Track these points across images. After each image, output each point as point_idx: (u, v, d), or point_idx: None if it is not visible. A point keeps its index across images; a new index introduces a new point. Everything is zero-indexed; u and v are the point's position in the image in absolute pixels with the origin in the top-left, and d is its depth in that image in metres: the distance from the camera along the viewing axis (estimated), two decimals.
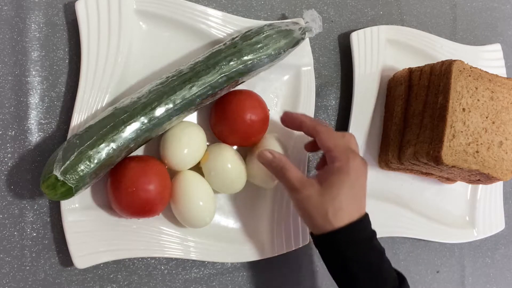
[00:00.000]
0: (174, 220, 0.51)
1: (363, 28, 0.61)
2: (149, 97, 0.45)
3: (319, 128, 0.49)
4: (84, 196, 0.47)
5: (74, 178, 0.41)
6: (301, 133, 0.51)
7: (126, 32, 0.48)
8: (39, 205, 0.47)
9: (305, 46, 0.56)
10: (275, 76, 0.56)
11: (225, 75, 0.47)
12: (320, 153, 0.58)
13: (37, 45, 0.47)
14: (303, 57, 0.56)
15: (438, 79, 0.56)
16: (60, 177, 0.40)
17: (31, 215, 0.47)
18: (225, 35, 0.53)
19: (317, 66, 0.61)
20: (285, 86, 0.57)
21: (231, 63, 0.48)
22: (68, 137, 0.45)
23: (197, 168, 0.51)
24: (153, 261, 0.52)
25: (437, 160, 0.54)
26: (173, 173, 0.49)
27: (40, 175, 0.42)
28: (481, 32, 0.74)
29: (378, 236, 0.48)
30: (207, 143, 0.51)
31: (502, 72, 0.71)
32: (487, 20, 0.75)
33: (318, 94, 0.61)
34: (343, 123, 0.60)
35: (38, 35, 0.47)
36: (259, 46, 0.49)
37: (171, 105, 0.45)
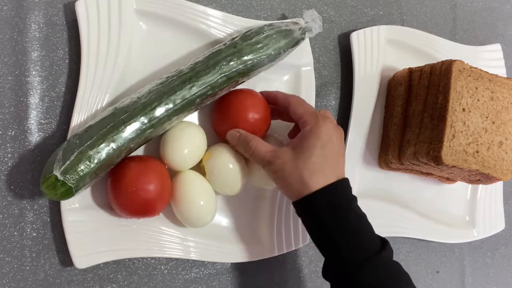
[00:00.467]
0: (174, 220, 0.51)
1: (363, 28, 0.61)
2: (149, 97, 0.45)
3: (290, 98, 0.51)
4: (84, 196, 0.47)
5: (74, 178, 0.41)
6: None
7: (126, 32, 0.48)
8: (39, 205, 0.47)
9: (305, 46, 0.56)
10: (275, 76, 0.56)
11: (225, 75, 0.47)
12: None
13: (37, 45, 0.47)
14: (303, 57, 0.56)
15: (438, 79, 0.56)
16: (60, 177, 0.40)
17: (31, 215, 0.47)
18: (225, 35, 0.53)
19: (317, 66, 0.61)
20: (285, 86, 0.57)
21: (231, 63, 0.48)
22: (68, 137, 0.45)
23: (197, 168, 0.51)
24: (153, 261, 0.52)
25: (437, 160, 0.54)
26: (173, 173, 0.49)
27: (40, 175, 0.42)
28: (481, 32, 0.74)
29: None
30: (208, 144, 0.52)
31: (502, 72, 0.71)
32: (487, 20, 0.75)
33: (318, 94, 0.61)
34: (343, 123, 0.60)
35: (38, 35, 0.47)
36: (259, 46, 0.49)
37: (171, 105, 0.45)
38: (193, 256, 0.51)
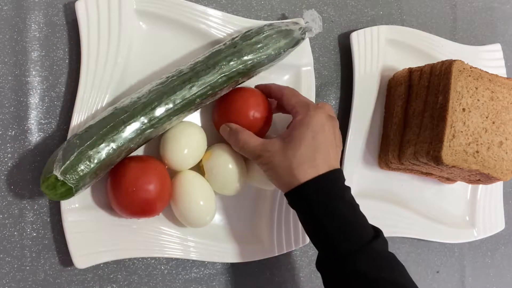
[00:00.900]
0: (174, 220, 0.51)
1: (363, 28, 0.61)
2: (149, 97, 0.45)
3: (284, 90, 0.50)
4: (84, 196, 0.47)
5: (74, 178, 0.41)
6: None
7: (126, 32, 0.48)
8: (39, 205, 0.47)
9: (305, 46, 0.56)
10: (275, 76, 0.56)
11: (225, 75, 0.47)
12: None
13: (37, 45, 0.47)
14: (303, 57, 0.56)
15: (438, 79, 0.56)
16: (60, 177, 0.40)
17: (31, 215, 0.47)
18: (225, 35, 0.53)
19: (317, 66, 0.61)
20: None
21: (231, 63, 0.48)
22: (68, 137, 0.45)
23: (197, 168, 0.51)
24: (153, 261, 0.52)
25: (437, 160, 0.54)
26: (173, 173, 0.49)
27: (40, 175, 0.42)
28: (481, 32, 0.74)
29: None
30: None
31: (502, 72, 0.71)
32: (487, 20, 0.75)
33: (318, 94, 0.61)
34: (343, 123, 0.60)
35: (38, 35, 0.47)
36: (259, 46, 0.49)
37: (171, 105, 0.45)
38: (193, 256, 0.51)
